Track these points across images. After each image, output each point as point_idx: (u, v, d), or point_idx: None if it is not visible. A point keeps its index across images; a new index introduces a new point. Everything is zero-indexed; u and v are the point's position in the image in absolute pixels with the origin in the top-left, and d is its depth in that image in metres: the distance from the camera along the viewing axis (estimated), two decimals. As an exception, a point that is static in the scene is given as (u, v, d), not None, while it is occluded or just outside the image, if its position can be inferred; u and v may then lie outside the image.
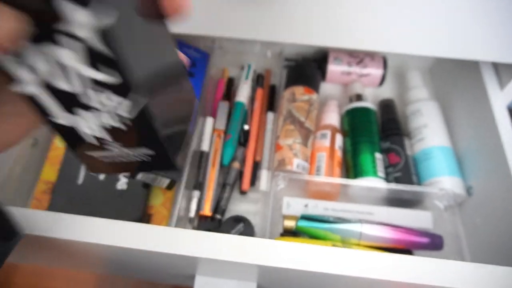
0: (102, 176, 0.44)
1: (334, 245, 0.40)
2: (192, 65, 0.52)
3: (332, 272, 0.29)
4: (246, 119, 0.52)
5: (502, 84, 0.43)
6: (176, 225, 0.43)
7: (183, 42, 0.53)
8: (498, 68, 0.44)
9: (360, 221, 0.41)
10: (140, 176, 0.42)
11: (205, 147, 0.48)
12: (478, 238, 0.41)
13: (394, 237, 0.40)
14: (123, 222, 0.30)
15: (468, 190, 0.44)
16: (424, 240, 0.41)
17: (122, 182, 0.44)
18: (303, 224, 0.41)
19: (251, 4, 0.38)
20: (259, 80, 0.56)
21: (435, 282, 0.28)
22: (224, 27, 0.41)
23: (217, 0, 0.38)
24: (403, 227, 0.41)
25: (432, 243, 0.41)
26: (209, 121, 0.50)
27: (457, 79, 0.51)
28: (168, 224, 0.43)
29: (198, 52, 0.54)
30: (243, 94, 0.52)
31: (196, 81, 0.50)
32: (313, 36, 0.40)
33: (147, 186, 0.44)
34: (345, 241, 0.41)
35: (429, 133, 0.48)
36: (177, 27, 0.41)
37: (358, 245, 0.41)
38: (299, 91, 0.51)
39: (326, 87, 0.58)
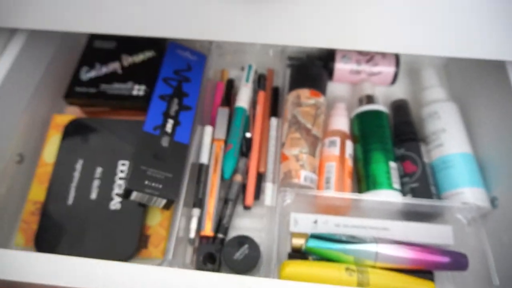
0: (93, 196, 0.41)
1: (347, 268, 0.36)
2: (188, 69, 0.47)
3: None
4: (248, 126, 0.48)
5: (531, 86, 0.38)
6: (175, 248, 0.39)
7: (177, 44, 0.49)
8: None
9: (376, 240, 0.37)
10: (134, 196, 0.38)
11: (204, 159, 0.44)
12: (506, 255, 0.38)
13: (413, 257, 0.37)
14: (108, 262, 0.26)
15: (493, 202, 0.40)
16: (446, 259, 0.37)
17: (116, 202, 0.41)
18: (313, 244, 0.38)
19: (251, 5, 0.33)
20: (260, 81, 0.52)
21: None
22: (223, 30, 0.37)
23: (213, 1, 0.33)
24: (422, 245, 0.38)
25: (455, 263, 0.37)
26: (208, 130, 0.46)
27: (477, 77, 0.46)
28: (166, 247, 0.40)
29: (194, 54, 0.49)
30: (243, 99, 0.48)
31: (192, 87, 0.46)
32: (319, 37, 0.36)
33: (143, 205, 0.41)
34: (359, 263, 0.37)
35: (448, 138, 0.44)
36: (173, 32, 0.37)
37: (374, 266, 0.37)
38: (304, 94, 0.47)
39: (333, 87, 0.53)
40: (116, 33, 0.38)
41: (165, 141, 0.41)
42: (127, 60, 0.48)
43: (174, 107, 0.44)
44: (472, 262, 0.37)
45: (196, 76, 0.47)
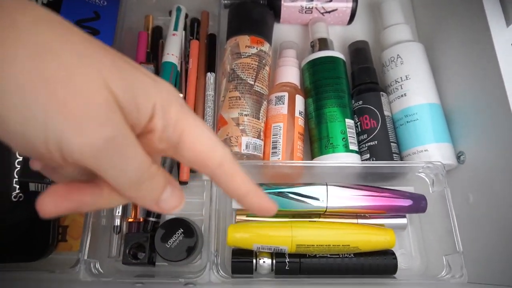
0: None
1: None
2: (95, 17, 0.38)
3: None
4: (179, 84, 0.40)
5: (509, 19, 0.32)
6: (100, 239, 0.33)
7: (79, -16, 0.39)
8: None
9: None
10: (33, 187, 0.31)
11: (126, 130, 0.36)
12: (471, 216, 0.34)
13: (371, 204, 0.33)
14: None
15: (459, 157, 0.36)
16: (408, 202, 0.33)
17: (18, 192, 0.33)
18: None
19: None
20: (193, 28, 0.43)
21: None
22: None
23: None
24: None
25: (415, 205, 0.33)
26: (129, 93, 0.38)
27: (449, 12, 0.39)
28: (82, 238, 0.33)
29: (103, -4, 0.39)
30: (171, 51, 0.40)
31: (103, 39, 0.37)
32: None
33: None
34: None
35: (412, 86, 0.37)
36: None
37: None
38: (244, 42, 0.39)
39: (281, 31, 0.45)
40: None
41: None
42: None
43: (79, 69, 0.35)
44: (435, 226, 0.33)
45: (107, 27, 0.38)
